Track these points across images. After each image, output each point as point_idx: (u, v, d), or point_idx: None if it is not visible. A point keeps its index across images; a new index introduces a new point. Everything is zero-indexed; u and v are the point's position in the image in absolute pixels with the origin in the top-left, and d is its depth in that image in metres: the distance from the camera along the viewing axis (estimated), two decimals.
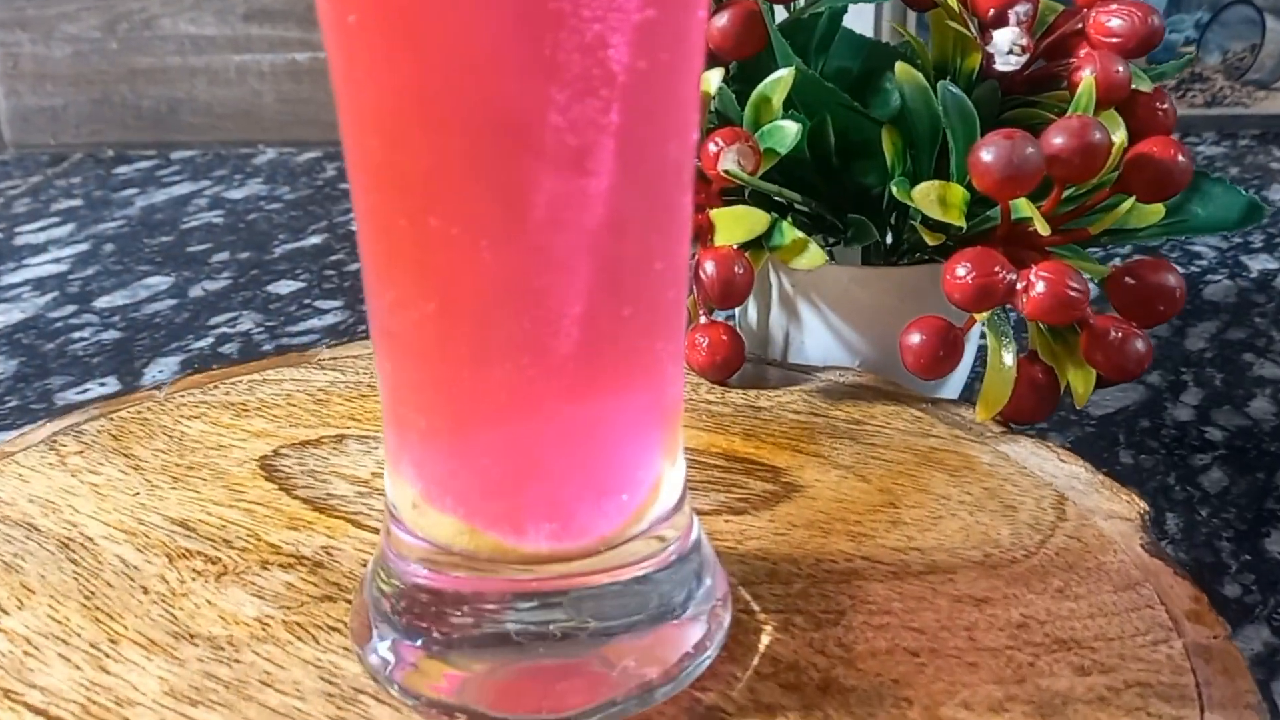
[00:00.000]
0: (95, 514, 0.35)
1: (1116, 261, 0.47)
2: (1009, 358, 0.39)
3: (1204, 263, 0.69)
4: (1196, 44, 0.94)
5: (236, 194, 0.86)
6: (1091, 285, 0.38)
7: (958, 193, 0.38)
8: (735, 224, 0.40)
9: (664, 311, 0.26)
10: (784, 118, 0.42)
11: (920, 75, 0.41)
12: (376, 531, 0.34)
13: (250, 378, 0.44)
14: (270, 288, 0.68)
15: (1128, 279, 0.40)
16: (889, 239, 0.45)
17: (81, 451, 0.39)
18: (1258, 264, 0.69)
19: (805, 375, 0.43)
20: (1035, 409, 0.40)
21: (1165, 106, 0.44)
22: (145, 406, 0.42)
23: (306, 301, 0.66)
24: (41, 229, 0.80)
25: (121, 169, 0.93)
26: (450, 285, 0.25)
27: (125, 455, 0.39)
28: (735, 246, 0.40)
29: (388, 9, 0.23)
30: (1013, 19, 0.42)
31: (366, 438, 0.40)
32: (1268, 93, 0.95)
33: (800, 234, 0.40)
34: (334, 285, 0.68)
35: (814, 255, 0.40)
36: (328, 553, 0.33)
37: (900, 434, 0.39)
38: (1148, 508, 0.35)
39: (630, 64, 0.23)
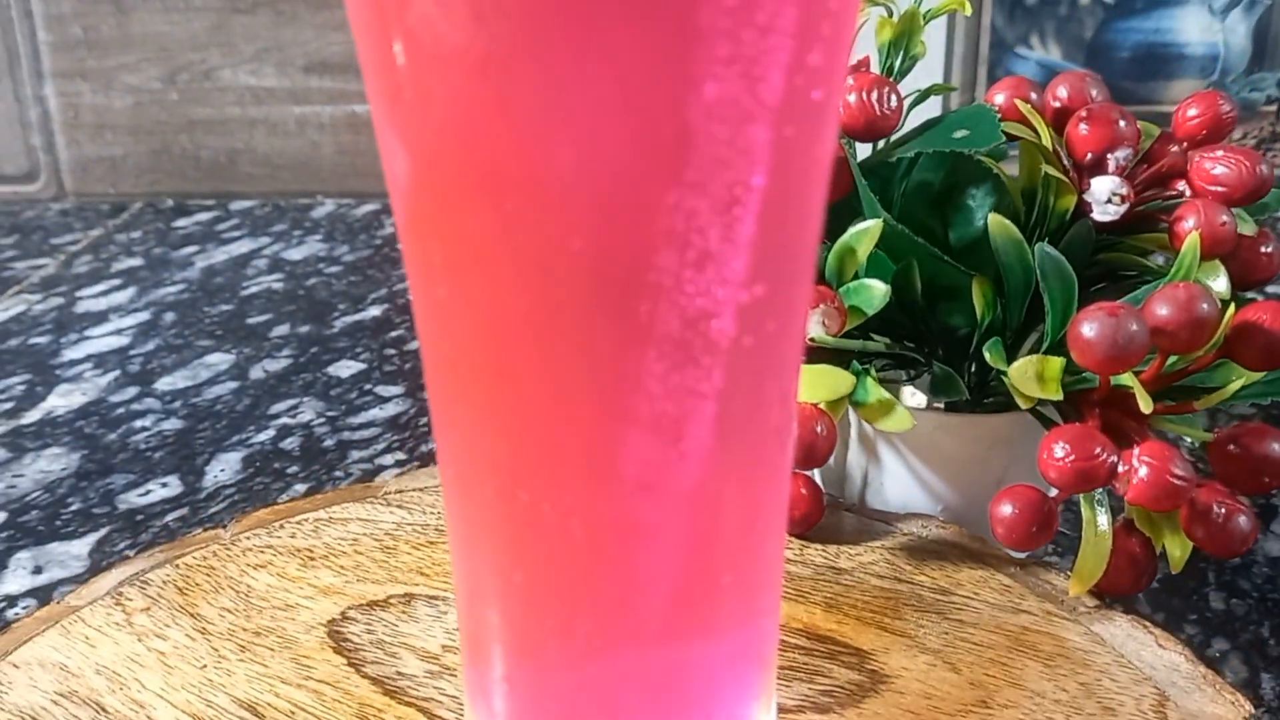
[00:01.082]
0: (162, 691, 0.35)
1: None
2: (1104, 524, 0.38)
3: None
4: (1279, 103, 0.91)
5: (295, 254, 0.86)
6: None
7: (1055, 366, 0.36)
8: (818, 383, 0.39)
9: (765, 569, 0.25)
10: (869, 263, 0.40)
11: (1014, 229, 0.39)
12: None
13: (316, 516, 0.43)
14: (331, 369, 0.68)
15: (1231, 447, 0.38)
16: (975, 379, 0.43)
17: (147, 608, 0.38)
18: None
19: (886, 526, 0.42)
20: (1132, 583, 0.38)
21: (1269, 250, 0.42)
22: (211, 550, 0.41)
23: (367, 386, 0.65)
24: (103, 293, 0.79)
25: (181, 222, 0.93)
26: (538, 559, 0.23)
27: (191, 615, 0.38)
28: (818, 405, 0.39)
29: (478, 284, 0.22)
30: (1111, 164, 0.40)
31: (435, 598, 0.39)
32: None
33: (886, 394, 0.39)
34: (394, 368, 0.68)
35: (900, 418, 0.38)
36: None
37: (990, 608, 0.38)
38: (1253, 709, 0.34)
39: (736, 337, 0.22)
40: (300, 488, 0.56)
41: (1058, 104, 0.44)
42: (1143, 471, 0.35)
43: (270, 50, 0.93)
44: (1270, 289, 0.74)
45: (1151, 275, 0.42)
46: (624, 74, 0.19)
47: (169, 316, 0.75)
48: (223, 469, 0.58)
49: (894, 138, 0.42)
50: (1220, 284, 0.40)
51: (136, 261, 0.85)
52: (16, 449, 0.60)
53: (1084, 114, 0.41)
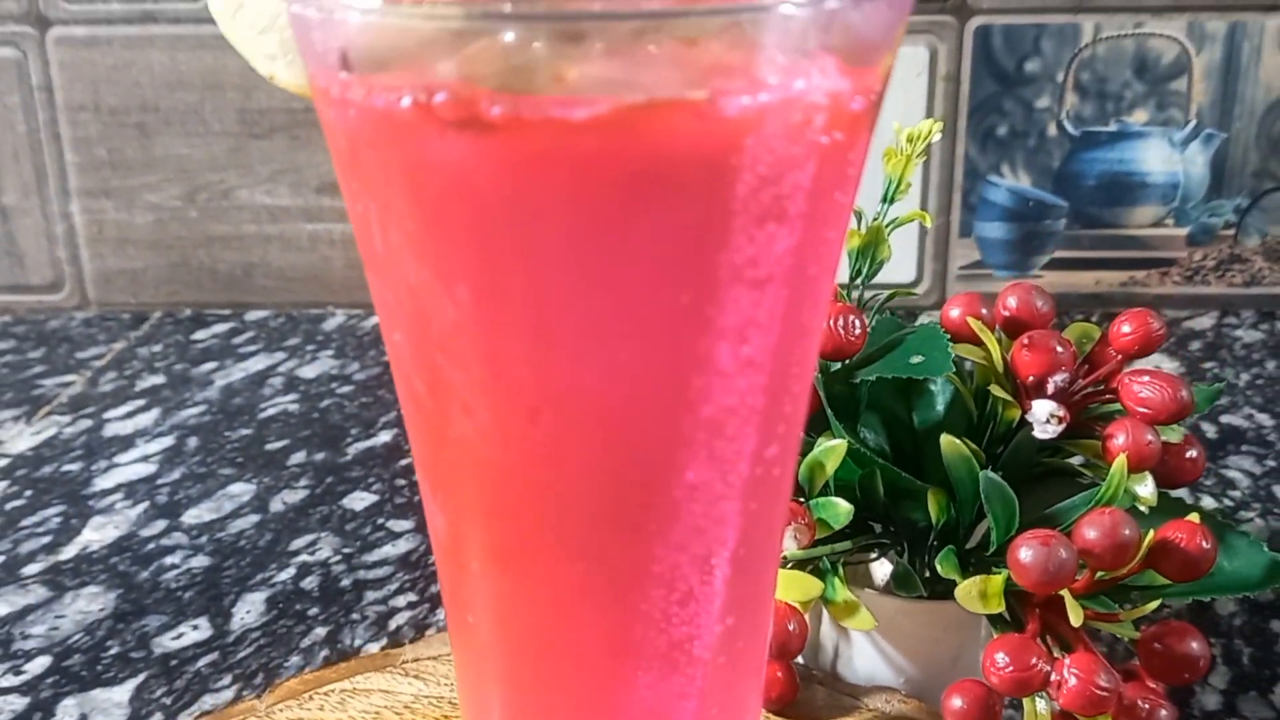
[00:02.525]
0: None
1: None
2: (1043, 710, 0.43)
3: (1237, 493, 0.72)
4: (1236, 227, 0.97)
5: (309, 371, 0.91)
6: None
7: (996, 584, 0.42)
8: (791, 586, 0.44)
9: None
10: (837, 472, 0.45)
11: (963, 448, 0.44)
12: None
13: (342, 687, 0.48)
14: (345, 502, 0.72)
15: (1156, 645, 0.43)
16: (933, 569, 0.48)
17: None
18: None
19: (854, 701, 0.47)
20: None
21: (1194, 455, 0.47)
22: None
23: (380, 521, 0.70)
24: (128, 414, 0.84)
25: (199, 334, 0.98)
26: None
27: None
28: (791, 604, 0.44)
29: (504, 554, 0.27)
30: (1050, 387, 0.46)
31: None
32: None
33: (852, 596, 0.44)
34: (404, 500, 0.73)
35: (864, 619, 0.43)
36: None
37: None
38: None
39: (713, 655, 0.27)
40: (321, 631, 0.61)
41: (1008, 313, 0.50)
42: (1072, 681, 0.40)
43: (285, 172, 0.99)
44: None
45: (1089, 474, 0.47)
46: (620, 466, 0.25)
47: (192, 442, 0.80)
48: (248, 610, 0.62)
49: (856, 358, 0.48)
50: (1147, 489, 0.45)
51: (159, 379, 0.90)
52: (57, 587, 0.65)
53: (1026, 340, 0.46)
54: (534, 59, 0.20)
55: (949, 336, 0.47)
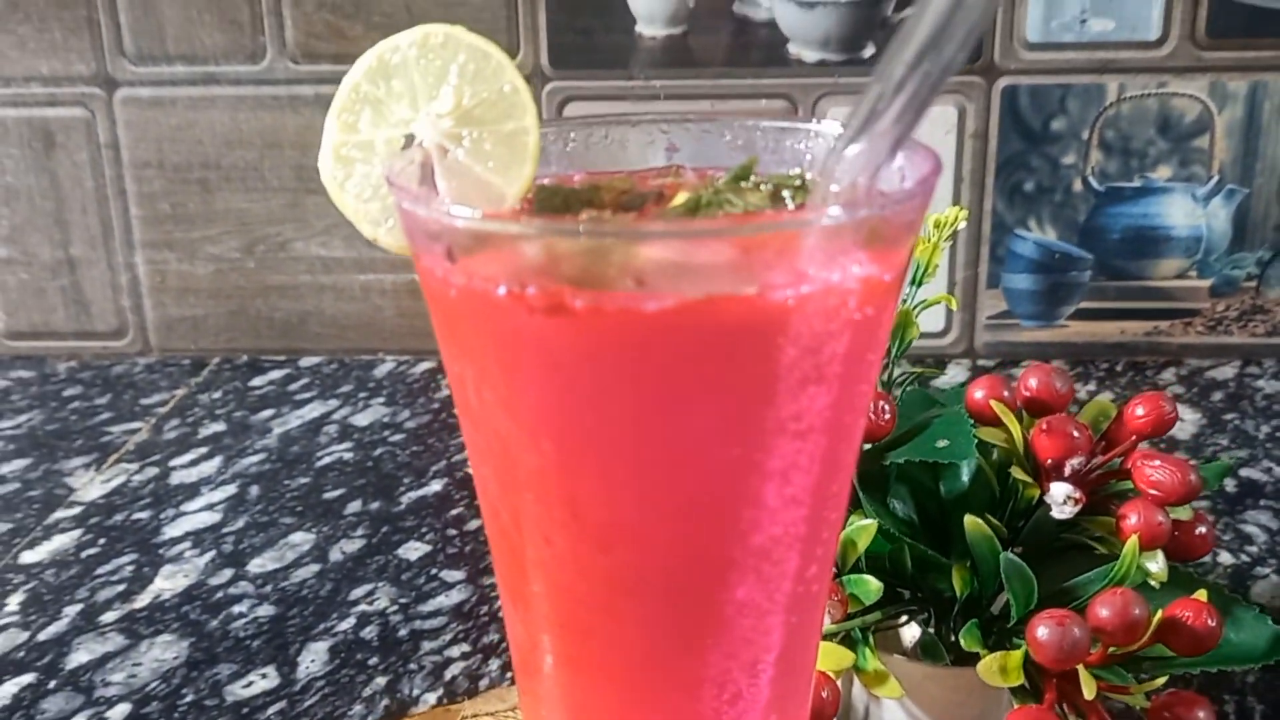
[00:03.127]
0: None
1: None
2: None
3: (1254, 549, 0.75)
4: (1259, 279, 0.99)
5: (361, 419, 0.95)
6: None
7: (1015, 659, 0.45)
8: (824, 657, 0.47)
9: None
10: (869, 547, 0.49)
11: (985, 528, 0.48)
12: None
13: None
14: (400, 551, 0.77)
15: (1166, 713, 0.46)
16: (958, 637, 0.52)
17: None
18: None
19: None
20: None
21: (1203, 531, 0.51)
22: None
23: (433, 571, 0.74)
24: (192, 463, 0.89)
25: (256, 381, 1.03)
26: None
27: None
28: (824, 673, 0.48)
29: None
30: (1068, 469, 0.49)
31: None
32: None
33: (881, 666, 0.47)
34: (456, 550, 0.77)
35: (892, 688, 0.47)
36: None
37: None
38: None
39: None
40: (381, 680, 0.65)
41: (1029, 393, 0.53)
42: None
43: (339, 225, 1.03)
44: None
45: (1104, 549, 0.51)
46: (679, 588, 0.28)
47: (254, 490, 0.85)
48: (313, 659, 0.66)
49: (886, 439, 0.51)
50: (1158, 566, 0.49)
51: (220, 426, 0.95)
52: (133, 635, 0.69)
53: (1045, 426, 0.49)
54: (611, 264, 0.24)
55: (972, 421, 0.51)
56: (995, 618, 0.51)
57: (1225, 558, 0.74)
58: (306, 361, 1.07)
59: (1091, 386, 0.98)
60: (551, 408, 0.26)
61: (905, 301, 0.57)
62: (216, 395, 1.00)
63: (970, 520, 0.48)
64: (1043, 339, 1.02)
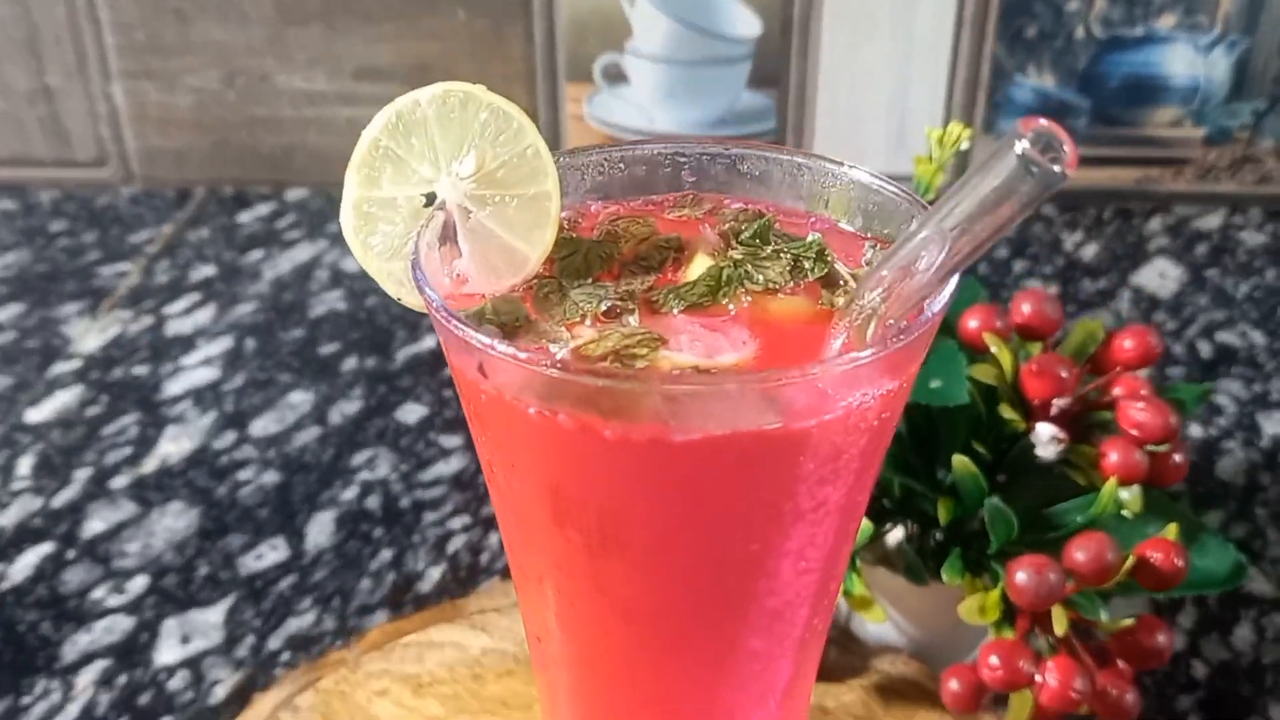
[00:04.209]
0: None
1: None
2: (1028, 695, 0.50)
3: (1223, 421, 0.78)
4: (1252, 129, 0.99)
5: (351, 264, 0.95)
6: None
7: (993, 599, 0.48)
8: None
9: None
10: None
11: (972, 466, 0.50)
12: None
13: (418, 639, 0.55)
14: (398, 415, 0.79)
15: (1129, 636, 0.50)
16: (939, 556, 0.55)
17: None
18: (1272, 426, 0.77)
19: (862, 662, 0.54)
20: None
21: (1179, 459, 0.53)
22: (341, 675, 0.54)
23: (431, 436, 0.77)
24: (186, 311, 0.90)
25: (243, 217, 1.02)
26: None
27: None
28: None
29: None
30: (1055, 409, 0.51)
31: None
32: None
33: (867, 592, 0.50)
34: (452, 414, 0.79)
35: (876, 613, 0.50)
36: None
37: None
38: None
39: None
40: (386, 554, 0.68)
41: (1021, 319, 0.54)
42: (1052, 683, 0.47)
43: (322, 59, 1.00)
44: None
45: (1084, 479, 0.53)
46: (698, 649, 0.30)
47: (249, 344, 0.86)
48: (320, 530, 0.69)
49: None
50: (1134, 500, 0.51)
51: (210, 269, 0.95)
52: (144, 503, 0.72)
53: (1035, 367, 0.51)
54: (641, 406, 0.25)
55: (965, 351, 0.52)
56: (975, 536, 0.53)
57: (1195, 430, 0.77)
58: (293, 195, 1.06)
59: (1079, 236, 0.99)
60: (578, 507, 0.27)
61: None
62: (205, 234, 1.00)
63: (959, 461, 0.50)
64: None
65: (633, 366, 0.26)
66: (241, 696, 0.59)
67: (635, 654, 0.30)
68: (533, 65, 1.00)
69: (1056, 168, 0.24)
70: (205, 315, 0.89)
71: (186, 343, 0.86)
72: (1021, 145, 0.24)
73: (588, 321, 0.28)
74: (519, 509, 0.29)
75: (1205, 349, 0.85)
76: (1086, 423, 0.53)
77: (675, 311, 0.28)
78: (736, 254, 0.30)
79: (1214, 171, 1.01)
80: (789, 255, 0.29)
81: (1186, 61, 0.97)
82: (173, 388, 0.82)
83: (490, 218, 0.30)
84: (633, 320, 0.28)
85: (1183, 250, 0.97)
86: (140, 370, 0.83)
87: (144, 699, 0.59)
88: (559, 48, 0.99)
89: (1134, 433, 0.50)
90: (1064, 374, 0.51)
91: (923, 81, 0.98)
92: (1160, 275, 0.94)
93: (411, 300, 0.34)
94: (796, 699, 0.32)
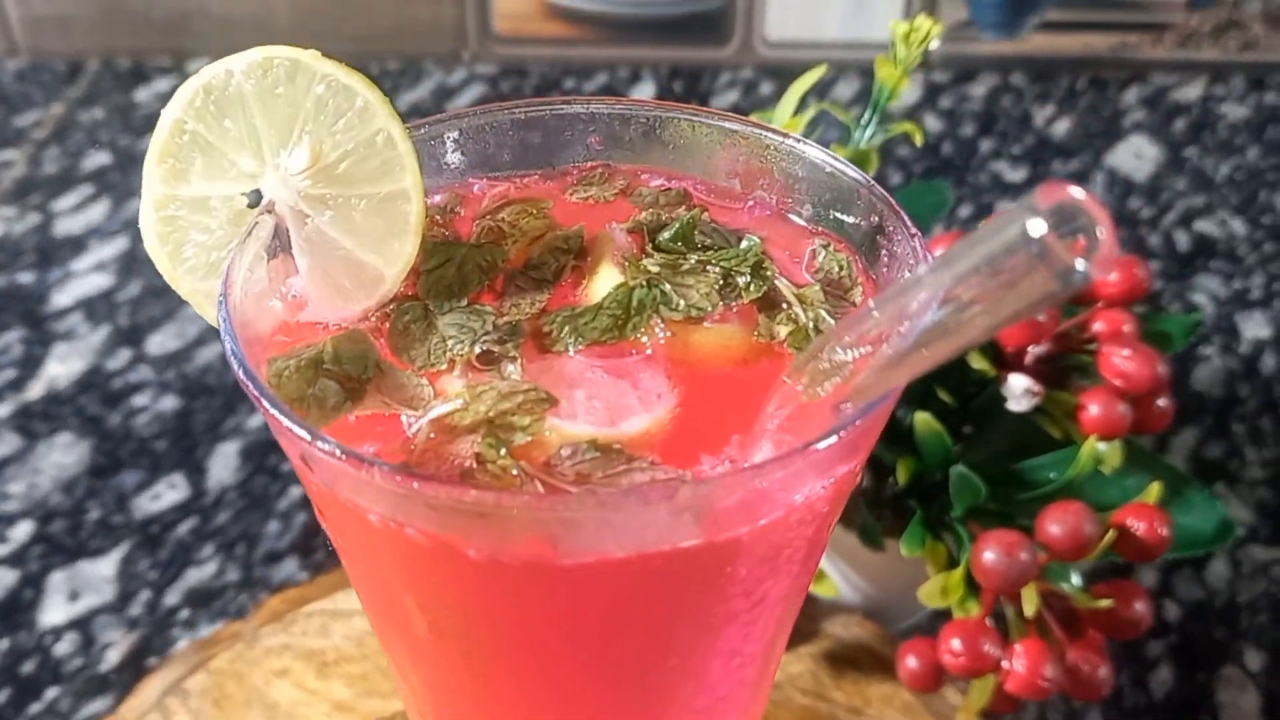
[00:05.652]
0: None
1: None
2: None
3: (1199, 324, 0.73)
4: None
5: None
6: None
7: (956, 579, 0.43)
8: None
9: None
10: None
11: (936, 424, 0.44)
12: None
13: (323, 607, 0.50)
14: None
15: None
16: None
17: None
18: (1251, 329, 0.72)
19: (814, 625, 0.49)
20: (1010, 707, 0.46)
21: (1163, 404, 0.48)
22: (236, 652, 0.48)
23: None
24: (77, 208, 0.81)
25: (140, 95, 0.93)
26: None
27: None
28: None
29: None
30: (1029, 357, 0.45)
31: None
32: None
33: (820, 568, 0.45)
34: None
35: (827, 587, 0.45)
36: None
37: None
38: None
39: None
40: (296, 491, 0.62)
41: None
42: (1019, 670, 0.42)
43: None
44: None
45: (1057, 432, 0.48)
46: None
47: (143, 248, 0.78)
48: (223, 466, 0.63)
49: None
50: (1113, 455, 0.46)
51: (104, 158, 0.86)
52: (29, 435, 0.65)
53: None
54: (515, 531, 0.18)
55: None
56: (937, 490, 0.48)
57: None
58: (194, 65, 0.96)
59: (1050, 110, 0.92)
60: (450, 623, 0.21)
61: (865, 127, 0.50)
62: (98, 114, 0.91)
63: (921, 419, 0.44)
64: (1003, 52, 0.95)
65: (510, 443, 0.20)
66: (134, 661, 0.54)
67: None
68: None
69: (1080, 266, 0.18)
70: (98, 211, 0.81)
71: (76, 244, 0.78)
72: (1037, 228, 0.17)
73: (457, 370, 0.21)
74: (386, 614, 0.23)
75: (1183, 240, 0.80)
76: (1064, 365, 0.47)
77: (571, 350, 0.21)
78: (652, 264, 0.23)
79: (1195, 37, 0.94)
80: (718, 269, 0.23)
81: None
82: (61, 298, 0.74)
83: (332, 224, 0.23)
84: (515, 370, 0.21)
85: (1160, 125, 0.90)
86: (25, 278, 0.76)
87: (28, 666, 0.54)
88: None
89: (1117, 383, 0.45)
90: (1041, 318, 0.45)
91: None
92: (1136, 155, 0.87)
93: None
94: None
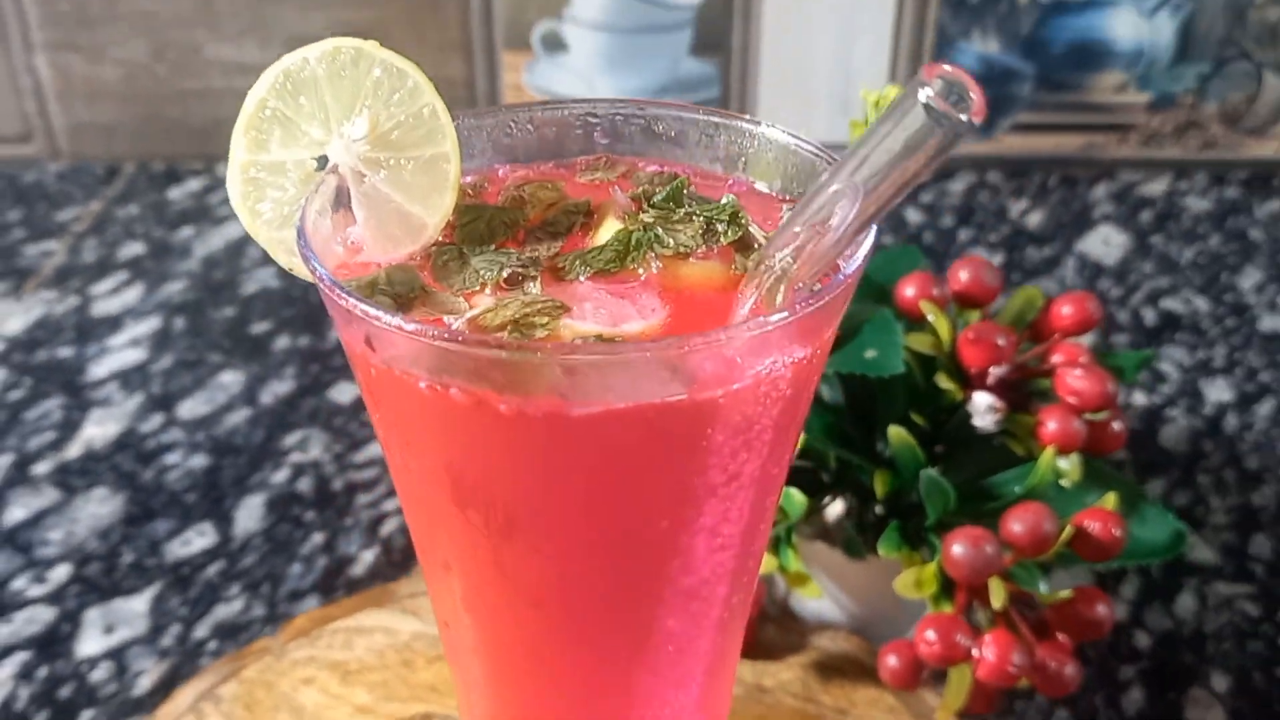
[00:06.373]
0: None
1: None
2: (966, 670, 0.49)
3: (1167, 388, 0.77)
4: (1197, 93, 0.98)
5: None
6: None
7: (929, 573, 0.47)
8: None
9: None
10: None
11: (909, 437, 0.49)
12: None
13: (346, 625, 0.54)
14: (330, 394, 0.77)
15: (1067, 610, 0.49)
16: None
17: None
18: (1214, 393, 0.77)
19: (801, 640, 0.53)
20: (986, 708, 0.50)
21: (1118, 427, 0.52)
22: (265, 664, 0.52)
23: (363, 417, 0.75)
24: (113, 291, 0.87)
25: (173, 193, 1.00)
26: None
27: None
28: None
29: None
30: (992, 377, 0.50)
31: (448, 717, 0.50)
32: (1259, 140, 1.00)
33: (803, 569, 0.49)
34: None
35: (812, 589, 0.49)
36: None
37: None
38: None
39: None
40: (318, 537, 0.66)
41: (958, 287, 0.53)
42: (989, 658, 0.46)
43: (253, 29, 0.98)
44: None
45: (1022, 449, 0.52)
46: (610, 632, 0.29)
47: (178, 323, 0.83)
48: (249, 515, 0.67)
49: None
50: (1072, 468, 0.50)
51: (139, 247, 0.92)
52: (67, 489, 0.69)
53: (972, 335, 0.50)
54: (537, 378, 0.23)
55: (901, 320, 0.51)
56: (914, 508, 0.52)
57: (1139, 398, 0.77)
58: (224, 170, 1.03)
59: (1024, 204, 0.98)
60: (476, 488, 0.26)
61: None
62: (134, 210, 0.97)
63: (895, 432, 0.49)
64: (980, 152, 1.02)
65: (531, 336, 0.25)
66: (166, 687, 0.57)
67: (546, 641, 0.28)
68: (470, 33, 0.97)
69: (964, 117, 0.23)
70: (133, 294, 0.87)
71: (113, 323, 0.84)
72: (926, 94, 0.23)
73: (488, 290, 0.26)
74: (419, 491, 0.27)
75: (1150, 316, 0.85)
76: (1025, 391, 0.52)
77: (581, 278, 0.26)
78: (648, 217, 0.28)
79: (1158, 137, 1.01)
80: (702, 218, 0.28)
81: (1131, 25, 0.96)
82: (98, 370, 0.79)
83: (385, 182, 0.28)
84: (535, 288, 0.26)
85: (1128, 216, 0.97)
86: (65, 352, 0.81)
87: (65, 691, 0.57)
88: (496, 15, 0.96)
89: (1072, 400, 0.49)
90: (1001, 341, 0.50)
91: (866, 48, 0.97)
92: (1105, 242, 0.93)
93: (304, 270, 0.32)
94: (719, 680, 0.31)
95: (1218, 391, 0.77)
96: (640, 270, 0.26)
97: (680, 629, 0.29)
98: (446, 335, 0.24)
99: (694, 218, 0.28)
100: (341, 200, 0.29)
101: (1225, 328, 0.83)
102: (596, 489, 0.25)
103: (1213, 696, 0.57)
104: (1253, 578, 0.63)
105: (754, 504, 0.27)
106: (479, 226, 0.28)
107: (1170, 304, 0.86)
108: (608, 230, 0.28)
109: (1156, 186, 1.00)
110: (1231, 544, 0.65)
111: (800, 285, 0.25)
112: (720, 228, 0.27)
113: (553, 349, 0.24)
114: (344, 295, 0.25)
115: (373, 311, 0.24)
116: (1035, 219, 0.96)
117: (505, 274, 0.26)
